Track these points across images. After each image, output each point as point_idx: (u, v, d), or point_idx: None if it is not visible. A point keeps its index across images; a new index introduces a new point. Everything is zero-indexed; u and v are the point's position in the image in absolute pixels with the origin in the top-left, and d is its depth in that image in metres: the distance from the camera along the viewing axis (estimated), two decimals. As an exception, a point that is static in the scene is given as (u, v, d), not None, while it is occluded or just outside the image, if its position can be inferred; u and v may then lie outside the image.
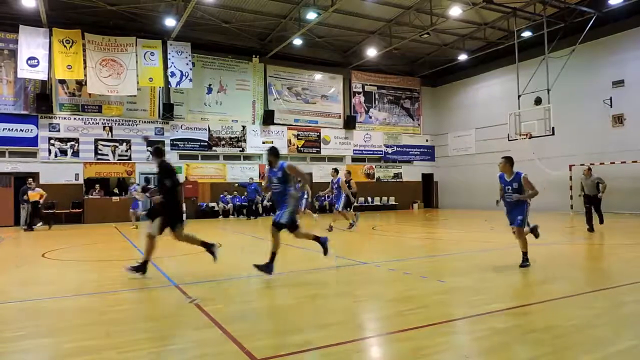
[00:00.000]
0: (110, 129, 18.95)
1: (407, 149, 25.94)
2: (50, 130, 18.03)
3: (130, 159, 19.19)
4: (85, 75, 17.91)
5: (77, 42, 17.95)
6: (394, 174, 25.40)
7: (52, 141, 18.08)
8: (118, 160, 19.00)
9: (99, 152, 18.79)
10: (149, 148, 16.48)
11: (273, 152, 5.87)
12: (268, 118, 21.67)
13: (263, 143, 21.52)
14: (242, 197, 19.80)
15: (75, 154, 18.39)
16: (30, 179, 15.50)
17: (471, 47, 22.37)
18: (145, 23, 18.56)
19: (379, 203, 24.23)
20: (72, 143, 18.37)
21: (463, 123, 24.92)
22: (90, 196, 18.14)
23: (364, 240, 11.22)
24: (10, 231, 14.91)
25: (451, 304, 4.66)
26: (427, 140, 26.54)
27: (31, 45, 17.27)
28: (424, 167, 26.48)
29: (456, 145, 25.35)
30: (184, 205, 6.60)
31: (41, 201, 14.97)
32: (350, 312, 4.37)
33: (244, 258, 7.82)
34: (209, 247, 5.91)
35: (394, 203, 24.65)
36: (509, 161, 6.25)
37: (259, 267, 5.65)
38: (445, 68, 24.38)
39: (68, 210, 17.88)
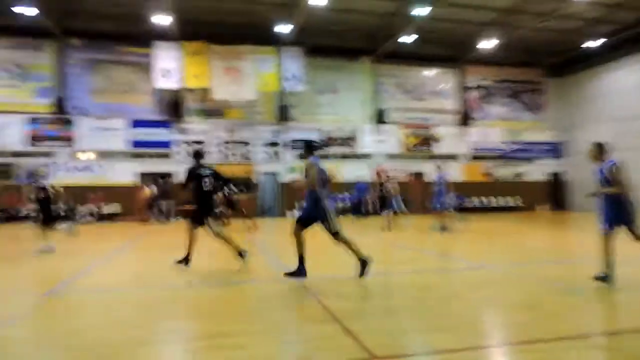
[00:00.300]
0: (233, 131, 20.74)
1: (529, 146, 24.09)
2: (182, 134, 20.31)
3: (250, 159, 20.78)
4: (210, 83, 19.81)
5: (203, 53, 19.95)
6: (515, 173, 23.77)
7: (183, 144, 20.34)
8: (240, 161, 20.72)
9: (224, 153, 20.68)
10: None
11: (305, 146, 5.88)
12: (379, 117, 21.85)
13: (375, 142, 21.80)
14: (352, 196, 20.17)
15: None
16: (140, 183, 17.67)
17: (601, 32, 20.02)
18: (260, 31, 19.90)
19: (499, 204, 22.87)
20: (201, 145, 20.43)
21: (596, 116, 22.37)
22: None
23: (479, 241, 10.76)
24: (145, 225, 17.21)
25: (585, 316, 4.29)
26: (553, 136, 24.31)
27: (165, 58, 19.66)
28: (550, 165, 24.33)
29: (590, 140, 22.76)
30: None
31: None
32: (468, 316, 4.27)
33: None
34: (240, 253, 6.71)
35: (516, 204, 23.07)
36: (597, 148, 5.42)
37: (361, 268, 5.61)
38: (572, 57, 22.18)
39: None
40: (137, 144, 19.90)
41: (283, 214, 20.60)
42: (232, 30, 19.81)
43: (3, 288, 5.95)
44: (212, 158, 20.18)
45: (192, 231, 6.72)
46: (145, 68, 19.95)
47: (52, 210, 9.15)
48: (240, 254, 6.62)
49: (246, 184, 20.47)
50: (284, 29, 18.99)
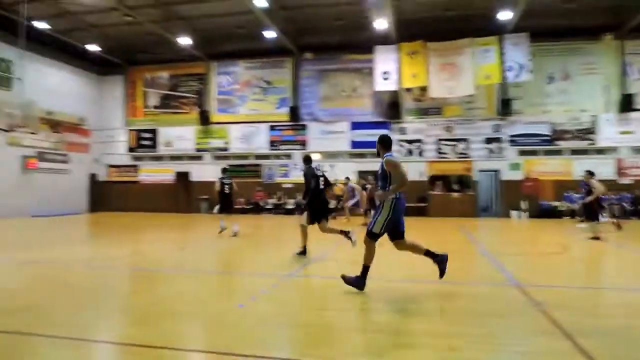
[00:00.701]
0: (450, 129, 21.69)
1: None
2: (399, 134, 22.18)
3: (468, 156, 21.42)
4: (427, 82, 21.17)
5: (420, 52, 21.40)
6: None
7: (401, 143, 22.19)
8: (457, 158, 21.54)
9: (440, 151, 21.80)
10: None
11: (380, 141, 5.65)
12: (626, 104, 19.86)
13: (620, 134, 19.94)
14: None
15: (420, 153, 21.96)
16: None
17: None
18: (479, 22, 20.28)
19: None
20: (417, 144, 22.02)
21: None
22: (433, 192, 21.35)
23: None
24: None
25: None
26: None
27: (384, 61, 21.74)
28: None
29: None
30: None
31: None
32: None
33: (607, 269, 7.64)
34: (347, 234, 7.82)
35: None
36: None
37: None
38: None
39: (414, 204, 21.58)
40: (357, 144, 22.52)
41: (506, 214, 20.58)
42: (449, 25, 20.68)
43: (251, 270, 7.69)
44: (429, 156, 21.45)
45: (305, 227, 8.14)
46: (365, 73, 22.45)
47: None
48: (348, 236, 7.89)
49: (463, 182, 21.20)
50: (505, 15, 18.98)
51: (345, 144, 22.24)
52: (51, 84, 21.90)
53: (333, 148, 22.39)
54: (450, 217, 19.32)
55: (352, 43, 21.74)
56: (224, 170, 12.76)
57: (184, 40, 21.18)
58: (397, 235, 5.44)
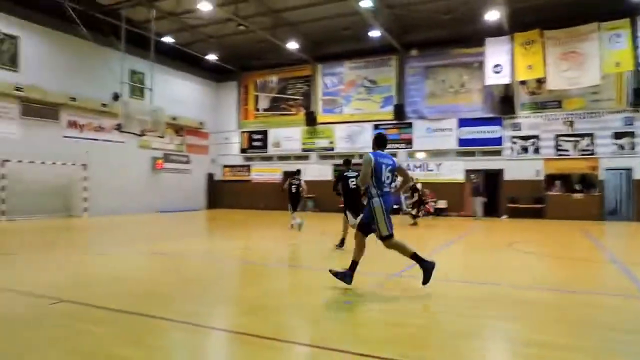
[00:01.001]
0: (571, 123, 19.83)
1: None
2: (512, 130, 20.81)
3: (592, 153, 19.43)
4: (545, 73, 19.57)
5: (536, 41, 19.87)
6: None
7: (514, 140, 20.80)
8: (580, 155, 19.64)
9: (559, 147, 20.02)
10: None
11: (374, 138, 5.80)
12: None
13: None
14: None
15: (536, 150, 20.40)
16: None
17: None
18: (607, 4, 18.30)
19: None
20: (533, 140, 20.48)
21: None
22: (550, 192, 19.71)
23: None
24: (479, 221, 18.41)
25: None
26: None
27: (495, 53, 20.56)
28: None
29: None
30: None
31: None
32: None
33: None
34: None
35: None
36: None
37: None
38: None
39: (529, 206, 20.12)
40: (465, 142, 21.56)
41: (639, 218, 18.33)
42: (570, 11, 18.91)
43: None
44: (545, 153, 19.84)
45: (345, 221, 9.07)
46: (474, 67, 21.44)
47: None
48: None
49: (587, 182, 19.26)
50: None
51: (453, 142, 21.45)
52: (175, 92, 24.12)
53: (439, 146, 21.76)
54: (571, 220, 17.71)
55: (460, 37, 20.92)
56: (297, 172, 13.98)
57: (292, 45, 22.02)
58: (369, 230, 5.48)
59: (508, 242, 11.04)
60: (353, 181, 8.95)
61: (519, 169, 20.10)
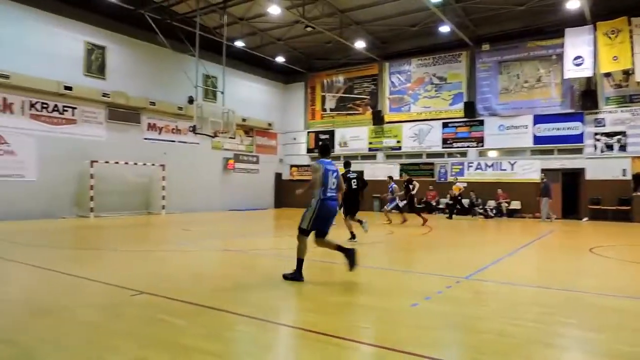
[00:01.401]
0: (666, 117, 18.14)
1: None
2: (595, 126, 19.41)
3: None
4: (633, 64, 18.06)
5: (622, 30, 18.37)
6: None
7: (597, 136, 19.39)
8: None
9: (650, 144, 18.40)
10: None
11: (320, 148, 6.49)
12: None
13: None
14: None
15: (622, 148, 18.89)
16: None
17: None
18: None
19: None
20: (619, 137, 18.98)
21: None
22: (638, 193, 18.15)
23: None
24: (558, 223, 17.33)
25: None
26: None
27: (576, 45, 19.26)
28: None
29: None
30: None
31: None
32: None
33: None
34: (360, 222, 10.05)
35: None
36: None
37: None
38: None
39: (614, 207, 18.66)
40: (542, 139, 20.40)
41: None
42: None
43: (426, 269, 7.56)
44: (633, 151, 18.36)
45: (347, 220, 10.10)
46: (552, 60, 20.24)
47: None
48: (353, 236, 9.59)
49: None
50: None
51: (528, 140, 20.40)
52: (245, 94, 24.94)
53: (513, 144, 20.80)
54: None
55: (536, 28, 19.90)
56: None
57: (359, 44, 22.03)
58: (320, 233, 6.00)
59: (588, 245, 10.34)
60: (355, 182, 9.94)
61: (603, 168, 18.74)
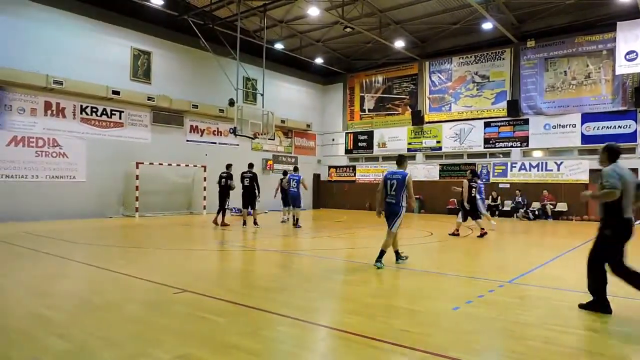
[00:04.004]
0: None
1: None
2: (649, 124, 18.40)
3: None
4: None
5: (680, 22, 17.38)
6: None
7: (651, 135, 18.38)
8: None
9: None
10: None
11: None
12: None
13: None
14: None
15: (680, 147, 17.79)
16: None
17: None
18: None
19: None
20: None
21: None
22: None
23: None
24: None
25: None
26: None
27: (629, 39, 18.34)
28: None
29: None
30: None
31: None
32: None
33: None
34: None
35: None
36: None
37: None
38: None
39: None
40: (590, 138, 19.54)
41: None
42: None
43: (467, 273, 7.37)
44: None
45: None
46: (602, 55, 19.37)
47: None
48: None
49: None
50: None
51: (575, 139, 19.61)
52: (284, 96, 25.18)
53: (559, 144, 20.04)
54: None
55: (584, 23, 19.11)
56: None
57: (398, 44, 21.84)
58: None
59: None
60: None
61: (663, 166, 17.76)
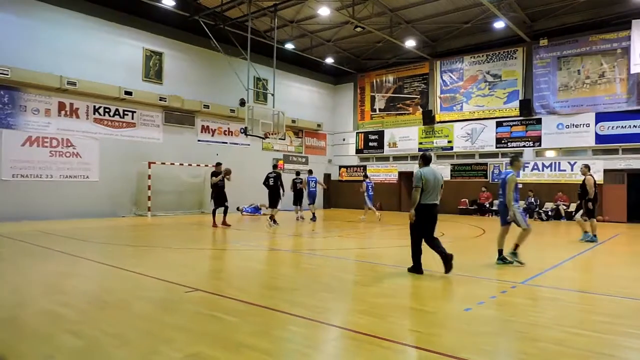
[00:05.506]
0: None
1: None
2: (665, 124, 18.10)
3: None
4: None
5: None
6: None
7: (668, 135, 18.07)
8: None
9: None
10: None
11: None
12: None
13: None
14: None
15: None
16: None
17: None
18: None
19: None
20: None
21: None
22: None
23: None
24: (623, 227, 16.26)
25: None
26: None
27: (644, 38, 18.08)
28: None
29: None
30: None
31: None
32: None
33: None
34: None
35: None
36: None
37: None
38: None
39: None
40: (605, 138, 19.29)
41: None
42: None
43: (479, 274, 7.32)
44: None
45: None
46: (617, 54, 19.09)
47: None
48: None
49: None
50: None
51: (589, 139, 19.37)
52: (295, 96, 25.21)
53: (573, 144, 19.80)
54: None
55: (598, 21, 18.87)
56: (297, 173, 16.30)
57: (409, 43, 21.76)
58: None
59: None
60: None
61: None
